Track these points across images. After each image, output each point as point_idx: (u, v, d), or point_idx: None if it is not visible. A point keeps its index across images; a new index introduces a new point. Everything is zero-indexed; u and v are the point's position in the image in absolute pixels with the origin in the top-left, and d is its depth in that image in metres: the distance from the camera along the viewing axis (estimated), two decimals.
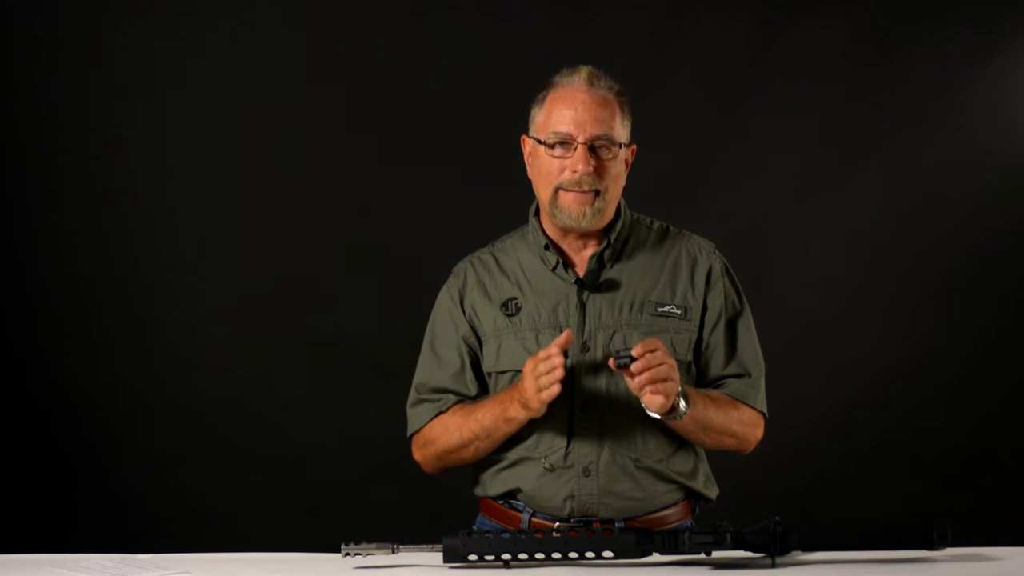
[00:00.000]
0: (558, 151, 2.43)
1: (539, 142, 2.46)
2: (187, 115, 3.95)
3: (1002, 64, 4.06)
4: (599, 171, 2.43)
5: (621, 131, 2.46)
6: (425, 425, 2.53)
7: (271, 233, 3.98)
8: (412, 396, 2.57)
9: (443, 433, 2.50)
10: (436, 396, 2.53)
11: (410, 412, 2.57)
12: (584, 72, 2.46)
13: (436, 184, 3.99)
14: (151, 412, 3.97)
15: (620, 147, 2.46)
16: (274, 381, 4.00)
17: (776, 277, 3.99)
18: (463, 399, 2.52)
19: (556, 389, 2.30)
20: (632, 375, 2.29)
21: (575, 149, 2.42)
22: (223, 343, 3.99)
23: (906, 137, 4.07)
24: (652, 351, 2.28)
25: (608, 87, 2.46)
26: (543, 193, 2.47)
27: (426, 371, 2.56)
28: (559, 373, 2.29)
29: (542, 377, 2.30)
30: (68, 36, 3.92)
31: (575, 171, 2.42)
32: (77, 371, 3.96)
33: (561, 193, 2.44)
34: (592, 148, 2.43)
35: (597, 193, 2.44)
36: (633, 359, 2.28)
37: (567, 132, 2.42)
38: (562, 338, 2.32)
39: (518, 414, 2.39)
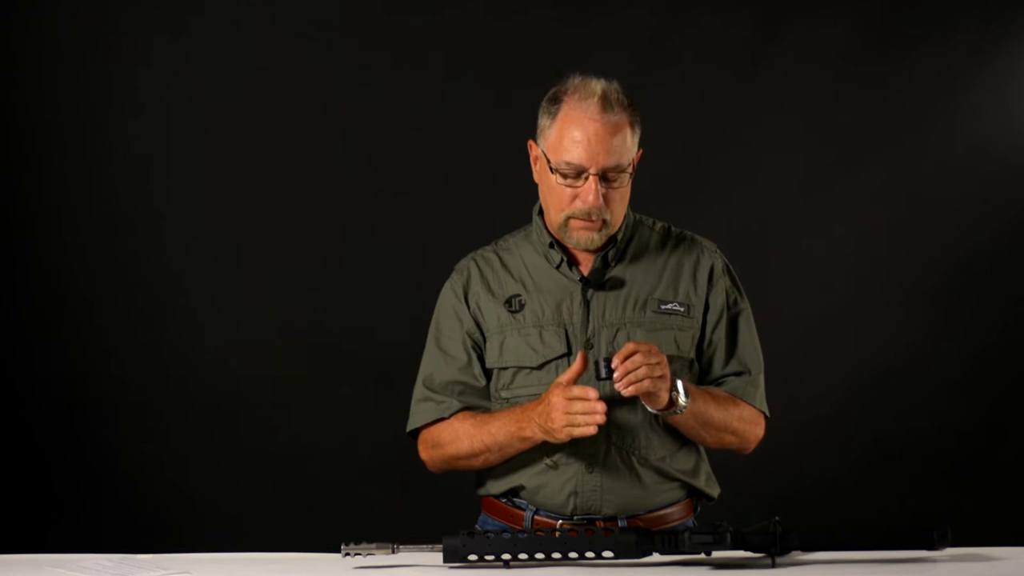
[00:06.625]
0: (569, 180, 2.43)
1: (549, 164, 2.45)
2: (187, 115, 3.95)
3: (1002, 64, 4.06)
4: (608, 199, 2.43)
5: (631, 151, 2.45)
6: (426, 426, 2.54)
7: (271, 233, 3.98)
8: (418, 391, 2.57)
9: (453, 439, 2.50)
10: (441, 397, 2.53)
11: (413, 408, 2.57)
12: (598, 95, 2.41)
13: (436, 184, 3.99)
14: (151, 412, 3.97)
15: (629, 167, 2.45)
16: (274, 381, 4.00)
17: (775, 277, 3.99)
18: (471, 398, 2.52)
19: (591, 431, 2.32)
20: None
21: (586, 178, 2.42)
22: (223, 343, 3.99)
23: (906, 137, 4.07)
24: (631, 356, 2.29)
25: (620, 106, 2.43)
26: (554, 217, 2.48)
27: (432, 366, 2.56)
28: (600, 419, 2.31)
29: (578, 416, 2.32)
30: (69, 35, 3.92)
31: (585, 202, 2.42)
32: (77, 371, 3.96)
33: (571, 220, 2.45)
34: (603, 176, 2.42)
35: (605, 222, 2.45)
36: (612, 371, 2.31)
37: (579, 164, 2.42)
38: (587, 391, 2.32)
39: (535, 435, 2.40)
